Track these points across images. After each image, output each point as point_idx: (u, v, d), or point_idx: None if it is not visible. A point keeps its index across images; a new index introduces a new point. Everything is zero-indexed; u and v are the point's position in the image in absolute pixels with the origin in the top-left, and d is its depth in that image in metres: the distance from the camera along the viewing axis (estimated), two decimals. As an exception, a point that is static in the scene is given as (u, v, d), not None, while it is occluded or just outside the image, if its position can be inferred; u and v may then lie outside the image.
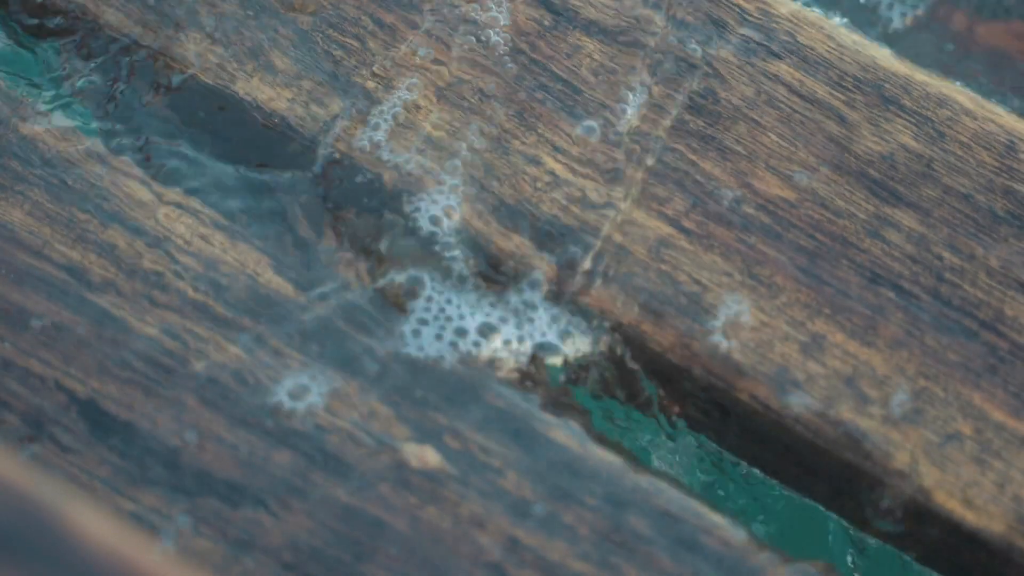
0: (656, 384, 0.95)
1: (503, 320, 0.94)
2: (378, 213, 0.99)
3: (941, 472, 0.90)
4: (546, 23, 1.00)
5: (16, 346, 0.91)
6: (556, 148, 0.97)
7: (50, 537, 0.74)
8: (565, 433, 0.92)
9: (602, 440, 0.92)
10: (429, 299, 0.95)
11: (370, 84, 0.98)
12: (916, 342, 0.93)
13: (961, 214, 0.96)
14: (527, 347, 0.97)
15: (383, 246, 0.99)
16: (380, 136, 0.97)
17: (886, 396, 0.92)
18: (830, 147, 0.97)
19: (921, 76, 0.99)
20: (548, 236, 0.95)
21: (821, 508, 0.94)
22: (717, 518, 0.90)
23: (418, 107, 0.98)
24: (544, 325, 0.95)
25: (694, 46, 1.00)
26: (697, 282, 0.94)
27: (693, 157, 0.97)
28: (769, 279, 0.94)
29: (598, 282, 0.94)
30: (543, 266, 0.94)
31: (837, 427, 0.91)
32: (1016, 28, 1.25)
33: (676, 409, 0.96)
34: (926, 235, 0.96)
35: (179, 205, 0.95)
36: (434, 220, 0.96)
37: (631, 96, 0.98)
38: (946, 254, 0.95)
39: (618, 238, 0.95)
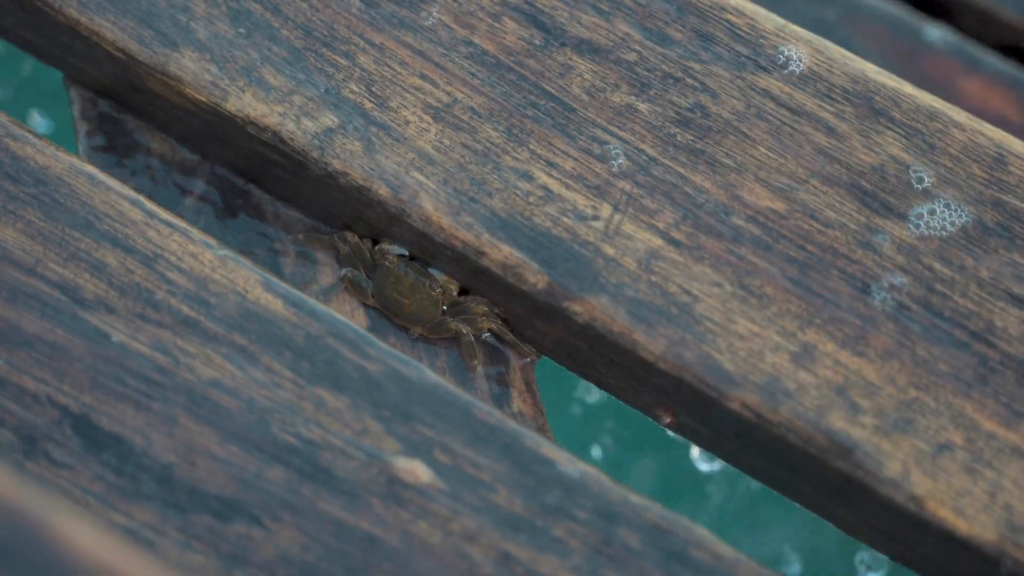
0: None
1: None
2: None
3: (933, 482, 0.90)
4: (536, 42, 1.00)
5: (9, 363, 0.92)
6: (548, 163, 0.97)
7: (43, 552, 0.74)
8: (553, 447, 0.92)
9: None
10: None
11: (363, 100, 0.99)
12: (907, 352, 0.93)
13: (952, 226, 0.96)
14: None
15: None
16: (372, 150, 0.98)
17: (877, 406, 0.92)
18: (819, 159, 0.98)
19: (910, 89, 1.00)
20: (540, 248, 0.95)
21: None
22: (707, 532, 0.90)
23: (407, 123, 0.99)
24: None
25: (683, 61, 1.00)
26: (688, 292, 0.94)
27: (682, 170, 0.97)
28: (760, 290, 0.95)
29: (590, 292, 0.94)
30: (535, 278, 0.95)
31: (828, 436, 0.91)
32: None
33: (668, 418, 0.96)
34: (916, 246, 0.96)
35: (169, 223, 0.96)
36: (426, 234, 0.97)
37: (621, 111, 0.99)
38: (937, 265, 0.95)
39: (609, 251, 0.95)
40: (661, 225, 0.96)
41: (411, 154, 0.98)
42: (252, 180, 1.03)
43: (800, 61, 1.00)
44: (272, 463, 0.90)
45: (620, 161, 0.97)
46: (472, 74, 1.00)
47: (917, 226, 0.95)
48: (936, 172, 0.97)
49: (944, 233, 0.95)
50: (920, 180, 0.96)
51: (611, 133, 0.98)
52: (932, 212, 0.96)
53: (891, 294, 0.94)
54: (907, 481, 0.90)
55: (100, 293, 0.94)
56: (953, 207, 0.96)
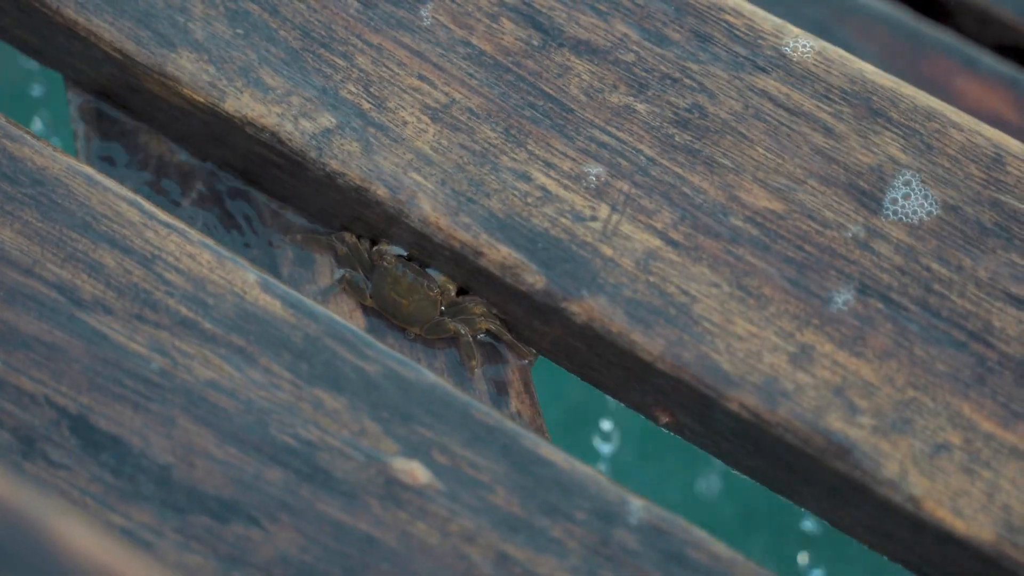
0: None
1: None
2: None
3: (930, 482, 0.90)
4: (534, 43, 1.01)
5: (7, 364, 0.92)
6: (546, 164, 0.97)
7: (41, 553, 0.74)
8: (551, 448, 0.92)
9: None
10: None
11: (361, 101, 0.99)
12: (905, 353, 0.93)
13: (949, 226, 0.96)
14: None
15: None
16: (370, 151, 0.98)
17: (875, 406, 0.92)
18: (817, 159, 0.98)
19: (908, 89, 1.00)
20: (538, 248, 0.95)
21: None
22: (704, 532, 0.90)
23: (405, 123, 0.99)
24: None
25: (681, 62, 1.00)
26: (686, 293, 0.94)
27: (680, 171, 0.97)
28: (758, 290, 0.95)
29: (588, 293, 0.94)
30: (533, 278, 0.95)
31: (826, 437, 0.91)
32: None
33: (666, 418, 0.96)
34: (914, 246, 0.96)
35: (167, 224, 0.96)
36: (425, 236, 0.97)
37: (619, 112, 0.99)
38: (934, 265, 0.95)
39: (607, 251, 0.95)
40: (659, 225, 0.96)
41: (409, 155, 0.98)
42: (250, 181, 1.03)
43: (798, 61, 1.00)
44: (270, 464, 0.90)
45: (617, 161, 0.97)
46: (470, 75, 1.00)
47: (895, 212, 0.95)
48: (932, 171, 0.97)
49: (916, 219, 0.95)
50: (907, 183, 0.96)
51: (609, 133, 0.98)
52: (907, 196, 0.96)
53: (889, 294, 0.94)
54: (905, 481, 0.90)
55: (98, 294, 0.94)
56: (927, 194, 0.96)
